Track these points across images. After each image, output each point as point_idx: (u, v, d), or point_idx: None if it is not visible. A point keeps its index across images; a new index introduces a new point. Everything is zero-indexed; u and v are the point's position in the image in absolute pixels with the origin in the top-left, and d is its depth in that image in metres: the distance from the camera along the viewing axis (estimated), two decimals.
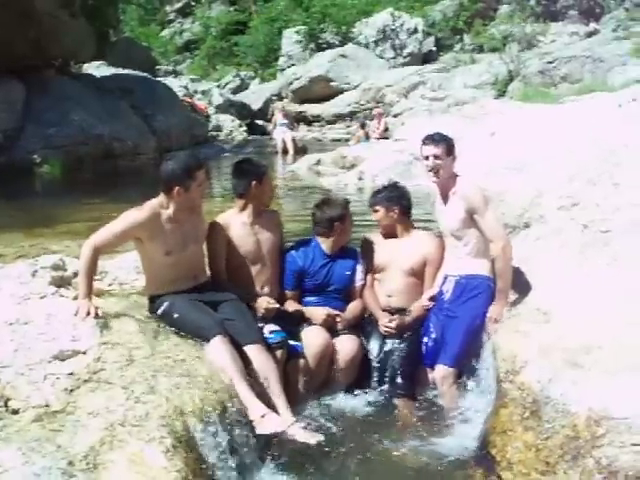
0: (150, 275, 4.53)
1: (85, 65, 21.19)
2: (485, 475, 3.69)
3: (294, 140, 20.55)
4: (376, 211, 5.08)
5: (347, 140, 21.13)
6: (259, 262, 4.83)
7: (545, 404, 3.59)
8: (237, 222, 4.82)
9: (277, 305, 4.70)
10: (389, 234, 5.10)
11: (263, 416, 3.95)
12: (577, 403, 3.47)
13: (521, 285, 4.61)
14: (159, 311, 4.35)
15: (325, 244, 5.00)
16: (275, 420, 3.98)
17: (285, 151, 20.04)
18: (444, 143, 4.64)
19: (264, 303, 4.64)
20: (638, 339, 3.61)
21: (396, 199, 5.05)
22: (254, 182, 4.78)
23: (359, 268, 5.03)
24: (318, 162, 15.38)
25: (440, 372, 4.58)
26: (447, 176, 4.67)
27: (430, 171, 4.67)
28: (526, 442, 3.57)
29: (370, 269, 5.06)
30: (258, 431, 3.93)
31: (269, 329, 4.50)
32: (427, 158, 4.65)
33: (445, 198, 4.72)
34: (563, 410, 3.50)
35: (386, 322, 4.82)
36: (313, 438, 3.94)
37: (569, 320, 3.99)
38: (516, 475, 3.51)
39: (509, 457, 3.60)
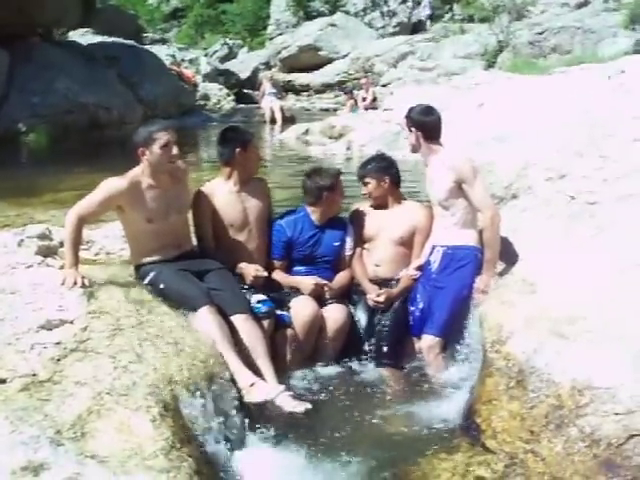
0: (134, 244, 4.54)
1: (70, 33, 20.90)
2: (470, 443, 3.72)
3: (282, 109, 20.43)
4: (366, 183, 5.06)
5: (335, 110, 21.05)
6: (246, 230, 4.82)
7: (530, 374, 3.63)
8: (223, 190, 4.81)
9: (265, 273, 4.70)
10: (379, 205, 5.09)
11: (252, 384, 3.97)
12: (561, 373, 3.51)
13: (508, 256, 4.62)
14: (145, 281, 4.35)
15: (314, 214, 4.99)
16: (264, 388, 4.00)
17: (273, 120, 19.93)
18: (416, 128, 4.73)
19: (252, 271, 4.64)
20: (622, 310, 3.64)
21: (386, 169, 5.05)
22: (238, 149, 4.78)
23: (348, 238, 5.02)
24: (306, 131, 15.34)
25: (426, 342, 4.61)
26: (429, 151, 4.72)
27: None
28: (511, 411, 3.61)
29: (359, 239, 5.06)
30: (246, 399, 3.95)
31: (257, 299, 4.50)
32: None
33: (432, 168, 4.73)
34: (548, 380, 3.54)
35: (374, 296, 4.83)
36: (301, 406, 3.96)
37: (555, 291, 4.01)
38: (501, 443, 3.55)
39: (494, 426, 3.64)
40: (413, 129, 4.72)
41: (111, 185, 4.29)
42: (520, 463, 3.41)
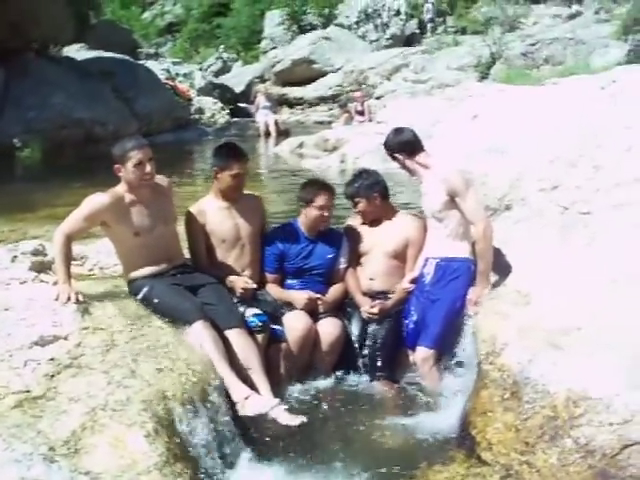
0: (124, 259, 4.55)
1: (65, 48, 20.94)
2: (466, 455, 3.72)
3: (277, 123, 20.50)
4: (357, 203, 5.05)
5: (330, 122, 21.08)
6: (238, 246, 4.82)
7: (525, 385, 3.63)
8: (213, 207, 4.82)
9: (254, 285, 4.70)
10: (372, 220, 5.10)
11: (246, 398, 3.98)
12: (556, 384, 3.52)
13: (501, 267, 4.63)
14: (139, 296, 4.35)
15: (303, 226, 4.99)
16: (258, 402, 4.00)
17: (268, 134, 19.99)
18: (398, 149, 4.77)
19: (241, 283, 4.65)
20: (616, 320, 3.65)
21: (373, 185, 5.04)
22: (215, 169, 4.81)
23: (343, 251, 5.02)
24: (301, 145, 15.38)
25: (421, 354, 4.60)
26: (420, 167, 4.74)
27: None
28: (506, 423, 3.61)
29: (353, 253, 5.05)
30: (241, 413, 3.96)
31: (250, 312, 4.50)
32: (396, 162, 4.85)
33: (425, 181, 4.74)
34: (542, 391, 3.55)
35: (368, 308, 4.83)
36: (296, 420, 3.95)
37: (549, 302, 4.02)
38: (496, 455, 3.55)
39: (489, 438, 3.63)
40: (396, 155, 4.75)
41: (94, 201, 4.31)
42: (515, 475, 3.41)
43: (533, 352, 3.72)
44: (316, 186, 5.00)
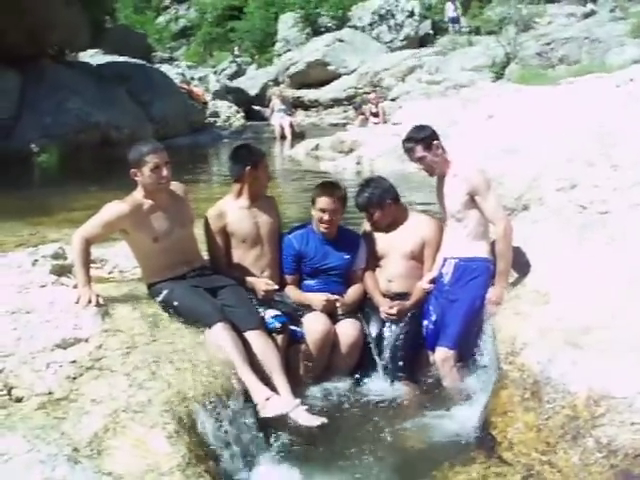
0: (143, 264, 4.58)
1: (81, 53, 21.10)
2: (486, 456, 3.71)
3: (292, 125, 20.54)
4: (372, 214, 5.06)
5: (345, 125, 21.09)
6: (258, 246, 4.85)
7: (545, 385, 3.63)
8: (234, 207, 4.84)
9: (276, 286, 4.73)
10: (388, 225, 5.09)
11: (267, 399, 3.99)
12: (577, 383, 3.51)
13: (520, 267, 4.63)
14: (159, 298, 4.37)
15: (321, 224, 4.98)
16: (279, 403, 4.00)
17: (283, 136, 20.03)
18: (420, 143, 4.70)
19: (262, 285, 4.67)
20: (637, 319, 3.63)
21: (384, 193, 5.03)
22: (249, 167, 4.81)
23: (361, 252, 5.02)
24: (316, 147, 15.41)
25: (441, 354, 4.60)
26: (440, 164, 4.73)
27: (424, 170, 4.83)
28: (527, 423, 3.60)
29: (371, 254, 5.06)
30: (262, 414, 3.96)
31: (270, 314, 4.51)
32: (416, 161, 4.77)
33: (445, 181, 4.74)
34: (563, 390, 3.54)
35: (387, 309, 4.83)
36: (316, 420, 3.96)
37: (568, 301, 4.01)
38: (517, 455, 3.54)
39: (510, 438, 3.63)
40: (433, 143, 4.69)
41: (113, 210, 4.33)
42: (537, 475, 3.40)
43: (553, 352, 3.72)
44: (320, 189, 4.95)
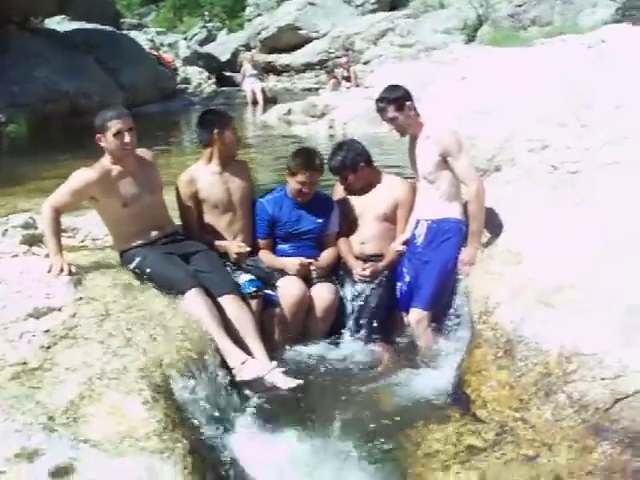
0: (114, 231, 4.56)
1: (47, 20, 20.67)
2: (461, 414, 3.76)
3: (264, 90, 20.38)
4: (346, 177, 5.05)
5: (317, 89, 20.98)
6: (230, 212, 4.84)
7: (518, 343, 3.67)
8: (205, 173, 4.83)
9: (248, 248, 4.74)
10: (362, 188, 5.09)
11: (243, 363, 4.01)
12: (549, 341, 3.55)
13: (493, 227, 4.65)
14: (131, 266, 4.35)
15: (291, 194, 4.97)
16: (255, 366, 4.02)
17: (255, 102, 19.90)
18: (392, 104, 4.67)
19: (234, 248, 4.68)
20: (607, 278, 3.67)
21: (356, 157, 5.01)
22: (217, 131, 4.79)
23: (334, 215, 5.03)
24: (288, 112, 15.31)
25: (414, 315, 4.62)
26: (412, 125, 4.72)
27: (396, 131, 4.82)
28: (500, 381, 3.65)
29: (343, 217, 5.06)
30: (238, 378, 3.98)
31: (244, 279, 4.52)
32: (388, 121, 4.75)
33: (417, 142, 4.73)
34: (536, 348, 3.58)
35: (360, 270, 4.85)
36: (292, 382, 3.98)
37: (540, 261, 4.04)
38: (491, 413, 3.59)
39: (484, 396, 3.68)
40: (405, 104, 4.67)
41: (81, 178, 4.30)
42: (510, 431, 3.45)
43: (525, 311, 3.76)
44: (302, 162, 4.87)
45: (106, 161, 4.39)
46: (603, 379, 3.28)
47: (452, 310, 4.51)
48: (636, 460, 3.01)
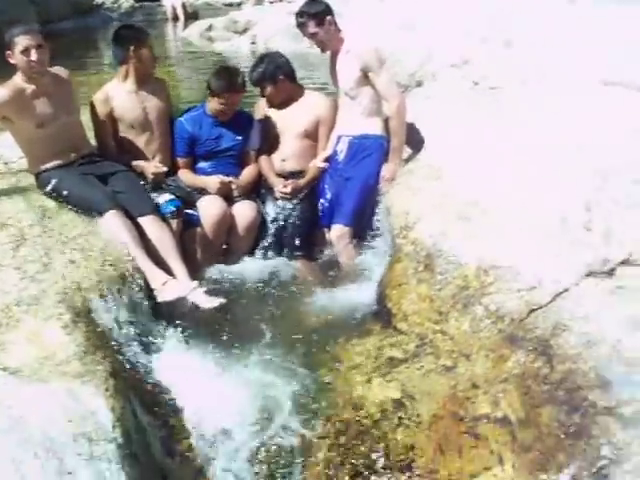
0: (29, 152, 4.42)
1: None
2: (382, 327, 3.82)
3: (184, 6, 19.80)
4: (264, 88, 4.95)
5: (239, 4, 20.44)
6: (148, 131, 4.73)
7: (437, 257, 3.71)
8: (120, 92, 4.69)
9: (165, 168, 4.65)
10: (282, 103, 5.02)
11: (164, 283, 3.99)
12: (467, 255, 3.60)
13: (414, 143, 4.66)
14: (47, 188, 4.24)
15: (212, 112, 4.87)
16: (177, 286, 4.01)
17: (175, 18, 19.35)
18: (312, 19, 4.59)
19: (151, 168, 4.60)
20: (525, 191, 3.73)
21: (277, 69, 4.91)
22: (132, 48, 4.63)
23: (253, 133, 4.95)
24: (210, 27, 14.94)
25: (336, 231, 4.66)
26: (333, 41, 4.66)
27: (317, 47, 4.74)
28: (420, 294, 3.71)
29: (265, 134, 5.00)
30: (160, 299, 3.97)
31: (164, 199, 4.45)
32: (308, 37, 4.69)
33: (338, 58, 4.67)
34: (454, 262, 3.63)
35: (281, 188, 4.83)
36: (215, 301, 3.98)
37: (460, 175, 4.08)
38: (411, 325, 3.65)
39: (404, 309, 3.73)
40: (326, 19, 4.57)
41: None
42: (430, 343, 3.52)
43: (445, 225, 3.80)
44: (224, 84, 4.73)
45: (19, 79, 4.22)
46: (519, 291, 3.36)
47: (373, 226, 4.54)
48: (546, 367, 3.13)
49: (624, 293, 3.20)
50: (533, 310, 3.28)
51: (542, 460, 2.94)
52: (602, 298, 3.22)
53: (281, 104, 5.00)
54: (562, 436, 2.94)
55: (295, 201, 4.85)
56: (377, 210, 4.56)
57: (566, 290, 3.30)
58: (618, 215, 3.48)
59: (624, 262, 3.32)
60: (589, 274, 3.31)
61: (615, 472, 2.80)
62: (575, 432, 2.93)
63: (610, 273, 3.30)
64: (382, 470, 3.14)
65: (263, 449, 3.29)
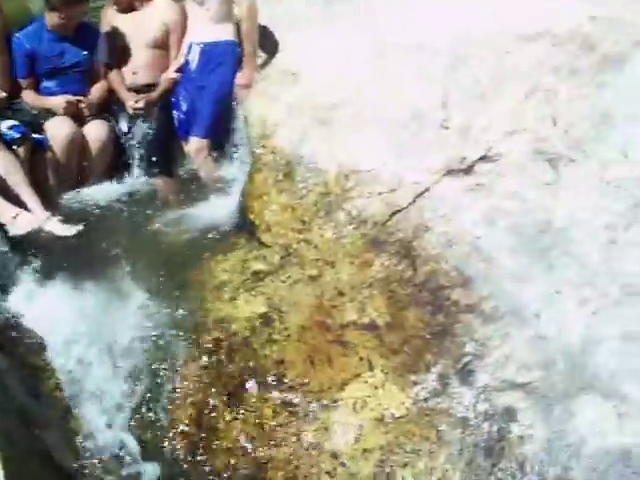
0: None
1: None
2: (247, 241, 3.73)
3: None
4: None
5: None
6: None
7: (297, 165, 3.64)
8: None
9: (3, 93, 4.30)
10: (128, 7, 4.74)
11: (15, 216, 3.75)
12: (327, 160, 3.55)
13: (268, 46, 4.50)
14: None
15: (51, 27, 4.51)
16: (29, 218, 3.77)
17: None
18: None
19: None
20: (383, 92, 3.66)
21: None
22: None
23: (100, 45, 4.65)
24: None
25: (194, 144, 4.49)
26: None
27: None
28: (282, 204, 3.62)
29: (113, 47, 4.71)
30: (12, 233, 3.74)
31: (6, 125, 4.10)
32: None
33: None
34: (314, 169, 3.58)
35: (133, 103, 4.60)
36: (71, 229, 3.76)
37: (317, 79, 3.96)
38: (275, 236, 3.57)
39: (267, 220, 3.64)
40: None
41: None
42: (294, 253, 3.46)
43: (303, 131, 3.71)
44: None
45: None
46: (380, 194, 3.35)
47: (233, 136, 4.40)
48: (410, 269, 3.14)
49: (482, 190, 3.24)
50: (395, 212, 3.29)
51: (410, 362, 2.99)
52: (461, 196, 3.25)
53: (128, 9, 4.72)
54: (428, 337, 3.00)
55: (149, 116, 4.62)
56: (235, 119, 4.40)
57: (426, 190, 3.30)
58: (475, 111, 3.47)
59: (482, 158, 3.34)
60: (448, 172, 3.32)
61: (478, 367, 2.88)
62: (440, 332, 2.99)
63: (468, 170, 3.31)
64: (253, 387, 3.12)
65: (130, 372, 3.24)
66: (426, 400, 2.89)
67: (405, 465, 2.82)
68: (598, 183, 3.09)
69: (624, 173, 3.08)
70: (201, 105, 4.48)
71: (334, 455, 2.92)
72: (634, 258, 2.92)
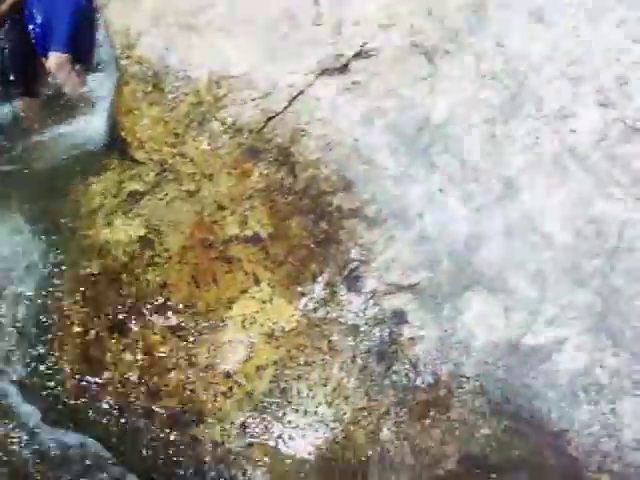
0: None
1: None
2: (119, 160, 3.46)
3: None
4: None
5: None
6: None
7: (166, 75, 3.43)
8: None
9: None
10: None
11: None
12: (197, 68, 3.37)
13: None
14: None
15: None
16: None
17: None
18: None
19: None
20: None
21: None
22: None
23: None
24: None
25: (54, 59, 4.18)
26: None
27: None
28: (153, 118, 3.42)
29: None
30: None
31: None
32: None
33: None
34: (184, 78, 3.39)
35: None
36: None
37: None
38: (149, 153, 3.38)
39: (139, 136, 3.43)
40: None
41: None
42: (170, 168, 3.29)
43: (169, 38, 3.49)
44: None
45: None
46: (254, 99, 3.20)
47: (94, 48, 4.12)
48: (290, 177, 3.03)
49: (359, 89, 3.12)
50: (270, 118, 3.16)
51: (296, 272, 2.91)
52: (338, 97, 3.12)
53: None
54: (312, 245, 2.92)
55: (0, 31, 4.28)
56: (97, 30, 4.10)
57: (301, 92, 3.16)
58: (347, 5, 3.31)
59: (357, 55, 3.20)
60: (323, 72, 3.18)
61: (365, 272, 2.83)
62: (324, 239, 2.91)
63: (343, 69, 3.17)
64: (137, 315, 2.98)
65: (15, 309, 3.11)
66: (315, 310, 2.83)
67: (299, 378, 2.78)
68: (474, 76, 3.01)
69: (500, 65, 3.00)
70: (57, 17, 4.17)
71: (228, 375, 2.84)
72: (514, 152, 2.88)
